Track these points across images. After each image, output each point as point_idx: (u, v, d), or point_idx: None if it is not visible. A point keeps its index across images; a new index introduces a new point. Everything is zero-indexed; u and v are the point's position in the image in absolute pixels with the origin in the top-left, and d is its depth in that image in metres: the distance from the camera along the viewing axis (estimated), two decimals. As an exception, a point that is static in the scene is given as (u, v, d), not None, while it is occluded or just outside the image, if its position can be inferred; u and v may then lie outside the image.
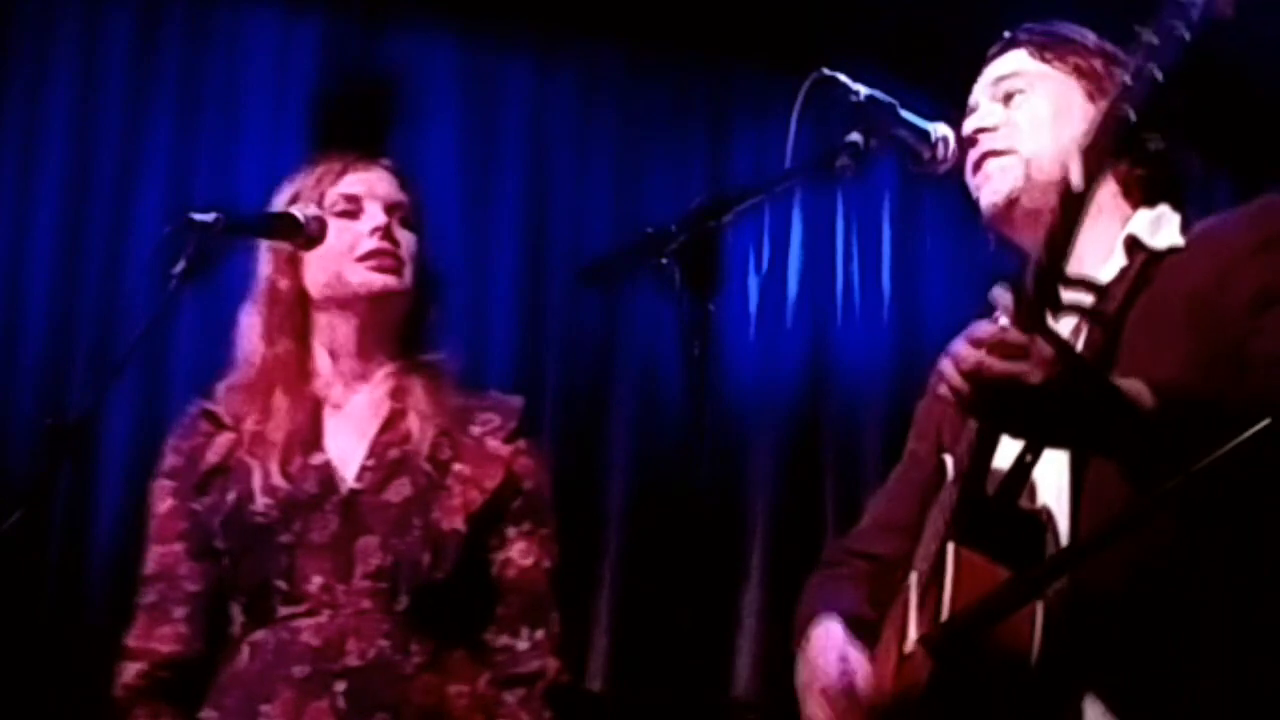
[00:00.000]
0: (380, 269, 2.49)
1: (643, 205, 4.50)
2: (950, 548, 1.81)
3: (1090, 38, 2.18)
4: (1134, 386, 1.70)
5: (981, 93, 2.19)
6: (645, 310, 4.34)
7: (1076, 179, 1.63)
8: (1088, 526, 1.82)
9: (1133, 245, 1.98)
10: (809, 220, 4.78)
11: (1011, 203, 2.09)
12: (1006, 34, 2.22)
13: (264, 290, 2.57)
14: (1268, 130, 4.75)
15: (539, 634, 2.41)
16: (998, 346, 1.67)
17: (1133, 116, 1.54)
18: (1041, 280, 1.69)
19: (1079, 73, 2.14)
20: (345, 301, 2.51)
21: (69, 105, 4.10)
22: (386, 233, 2.50)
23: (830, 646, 2.08)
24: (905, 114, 2.08)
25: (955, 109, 2.26)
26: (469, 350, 4.24)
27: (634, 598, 4.26)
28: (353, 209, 2.52)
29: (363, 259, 2.49)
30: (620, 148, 4.65)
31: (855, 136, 2.00)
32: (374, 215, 2.51)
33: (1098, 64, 2.14)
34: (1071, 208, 1.65)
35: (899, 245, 4.84)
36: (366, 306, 2.50)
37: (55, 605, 3.81)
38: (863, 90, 2.04)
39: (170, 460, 2.52)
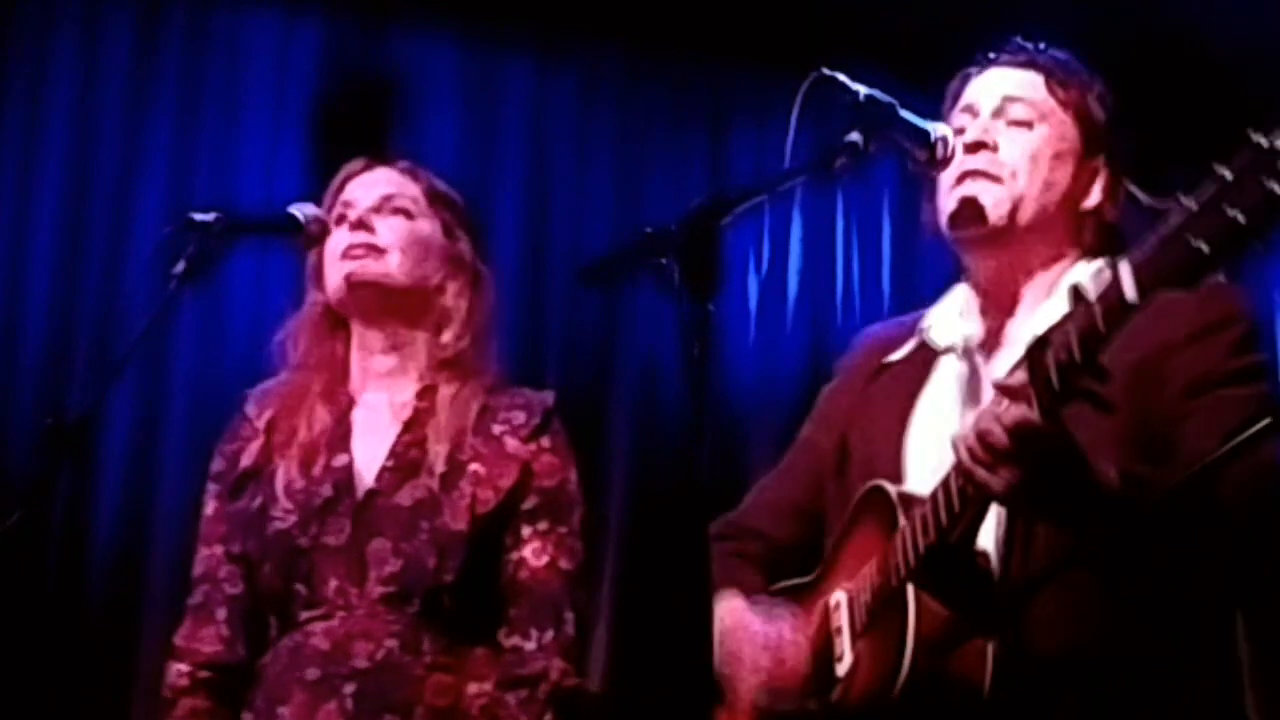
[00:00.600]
0: (352, 259, 2.47)
1: (643, 205, 4.50)
2: (911, 591, 1.91)
3: (1098, 87, 2.20)
4: (1104, 469, 1.81)
5: (985, 101, 2.18)
6: (645, 310, 4.34)
7: (1131, 292, 1.61)
8: (1019, 569, 1.93)
9: (1077, 295, 2.01)
10: (809, 220, 4.77)
11: (987, 235, 2.13)
12: (1021, 42, 2.22)
13: (306, 304, 2.58)
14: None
15: (548, 636, 2.38)
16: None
17: (1206, 250, 1.52)
18: (1068, 376, 1.70)
19: (1083, 120, 2.16)
20: (344, 302, 2.52)
21: (69, 105, 4.10)
22: (360, 224, 2.49)
23: (745, 624, 2.15)
24: (905, 114, 2.08)
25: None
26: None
27: (634, 598, 4.26)
28: (346, 214, 2.53)
29: (343, 256, 2.49)
30: (620, 148, 4.65)
31: (855, 136, 2.00)
32: (357, 214, 2.51)
33: (1101, 116, 2.18)
34: (1118, 317, 1.65)
35: (899, 245, 4.83)
36: (357, 300, 2.49)
37: (55, 605, 3.80)
38: (862, 90, 2.04)
39: (216, 464, 2.54)
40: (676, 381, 1.89)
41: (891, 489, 2.03)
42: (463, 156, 4.44)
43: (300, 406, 2.48)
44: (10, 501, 2.09)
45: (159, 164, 4.14)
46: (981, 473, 1.78)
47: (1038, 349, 1.73)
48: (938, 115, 2.15)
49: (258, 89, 4.29)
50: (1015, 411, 1.74)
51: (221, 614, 2.45)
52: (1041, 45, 2.22)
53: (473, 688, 2.35)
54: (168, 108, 4.20)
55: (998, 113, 2.16)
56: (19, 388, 3.91)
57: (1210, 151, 1.55)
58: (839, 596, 2.07)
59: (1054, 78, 2.17)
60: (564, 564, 2.44)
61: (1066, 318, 1.71)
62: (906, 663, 1.87)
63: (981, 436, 1.77)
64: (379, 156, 2.65)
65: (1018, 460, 1.75)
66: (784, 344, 4.66)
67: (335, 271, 2.50)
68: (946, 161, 2.11)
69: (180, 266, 2.22)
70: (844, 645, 2.03)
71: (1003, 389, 1.78)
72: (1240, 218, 1.49)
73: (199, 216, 2.25)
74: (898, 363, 2.25)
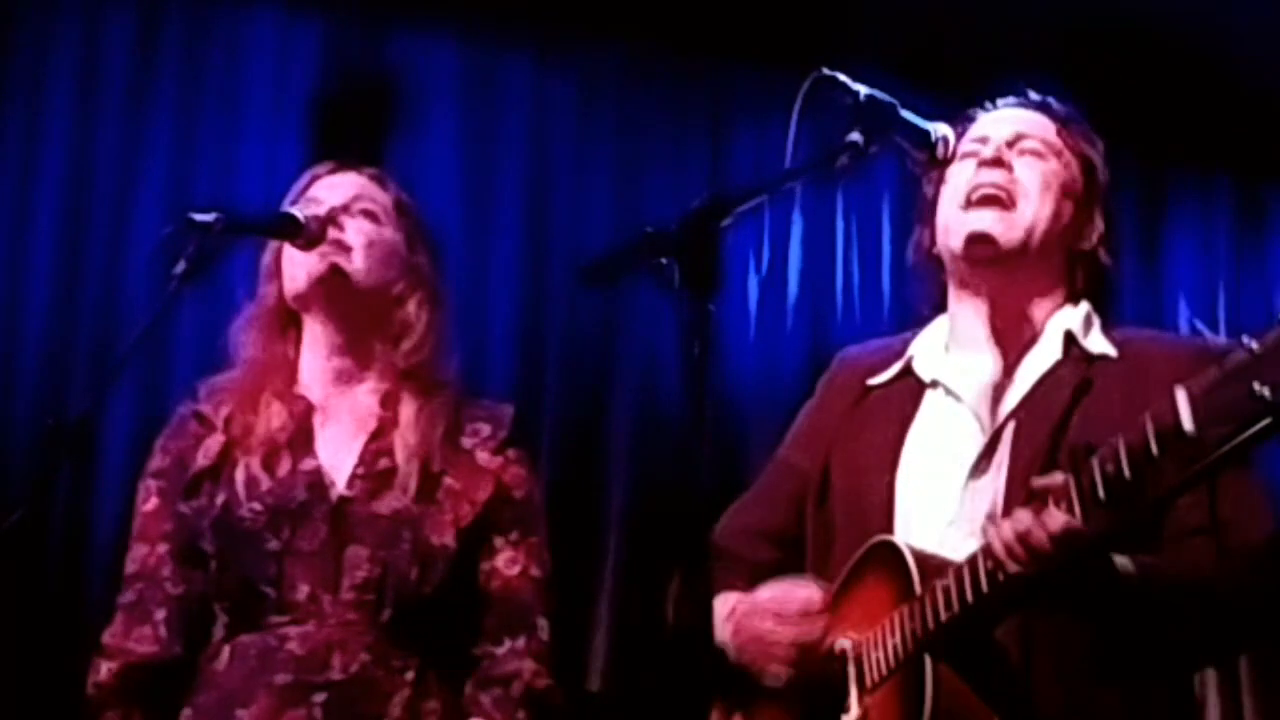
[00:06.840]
0: (317, 254, 2.45)
1: (643, 205, 4.50)
2: (929, 662, 1.93)
3: (1100, 143, 2.26)
4: (1121, 563, 1.88)
5: (999, 131, 2.23)
6: (645, 310, 4.34)
7: (1189, 424, 1.64)
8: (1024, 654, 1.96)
9: (1069, 340, 2.06)
10: (809, 220, 4.77)
11: (1001, 255, 2.16)
12: (1033, 95, 2.28)
13: (258, 297, 2.57)
14: (1267, 132, 4.75)
15: (519, 641, 2.40)
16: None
17: (1269, 396, 1.56)
18: (1114, 491, 1.75)
19: (1086, 168, 2.23)
20: (304, 299, 2.50)
21: (69, 105, 4.10)
22: (330, 221, 2.47)
23: (750, 599, 2.16)
24: (905, 114, 2.08)
25: (955, 108, 2.26)
26: (468, 350, 4.26)
27: (634, 599, 4.25)
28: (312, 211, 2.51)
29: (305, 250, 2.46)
30: (620, 148, 4.64)
31: (855, 136, 2.00)
32: (326, 210, 2.49)
33: (1102, 168, 2.24)
34: (1170, 444, 1.67)
35: (899, 245, 4.83)
36: (320, 299, 2.48)
37: (55, 605, 3.80)
38: (862, 90, 2.04)
39: (158, 460, 2.52)
40: (676, 381, 1.88)
41: (905, 547, 2.03)
42: (463, 156, 4.45)
43: (255, 404, 2.46)
44: (10, 501, 2.09)
45: (159, 164, 4.14)
46: (1015, 567, 1.83)
47: (1083, 456, 1.77)
48: (938, 115, 2.15)
49: (258, 89, 4.29)
50: (1061, 520, 1.79)
51: (160, 614, 2.42)
52: (1050, 98, 2.28)
53: (428, 704, 2.33)
54: (168, 108, 4.19)
55: (1011, 143, 2.21)
56: (19, 388, 3.91)
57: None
58: (844, 644, 2.08)
59: (1064, 125, 2.24)
60: (535, 572, 2.45)
61: (1117, 439, 1.74)
62: None
63: (1023, 538, 1.81)
64: (349, 161, 2.64)
65: (1055, 563, 1.80)
66: (784, 344, 4.66)
67: (296, 265, 2.48)
68: (947, 162, 2.12)
69: (180, 266, 2.22)
70: (851, 698, 2.04)
71: (1043, 489, 1.82)
72: None
73: (199, 216, 2.25)
74: (882, 387, 2.26)
